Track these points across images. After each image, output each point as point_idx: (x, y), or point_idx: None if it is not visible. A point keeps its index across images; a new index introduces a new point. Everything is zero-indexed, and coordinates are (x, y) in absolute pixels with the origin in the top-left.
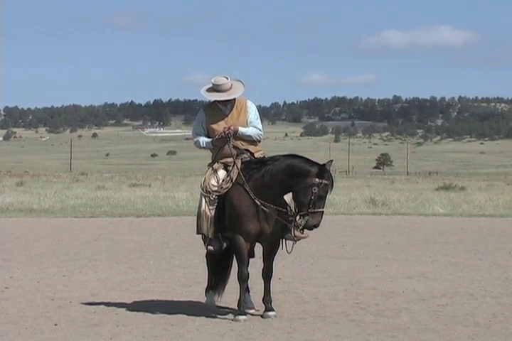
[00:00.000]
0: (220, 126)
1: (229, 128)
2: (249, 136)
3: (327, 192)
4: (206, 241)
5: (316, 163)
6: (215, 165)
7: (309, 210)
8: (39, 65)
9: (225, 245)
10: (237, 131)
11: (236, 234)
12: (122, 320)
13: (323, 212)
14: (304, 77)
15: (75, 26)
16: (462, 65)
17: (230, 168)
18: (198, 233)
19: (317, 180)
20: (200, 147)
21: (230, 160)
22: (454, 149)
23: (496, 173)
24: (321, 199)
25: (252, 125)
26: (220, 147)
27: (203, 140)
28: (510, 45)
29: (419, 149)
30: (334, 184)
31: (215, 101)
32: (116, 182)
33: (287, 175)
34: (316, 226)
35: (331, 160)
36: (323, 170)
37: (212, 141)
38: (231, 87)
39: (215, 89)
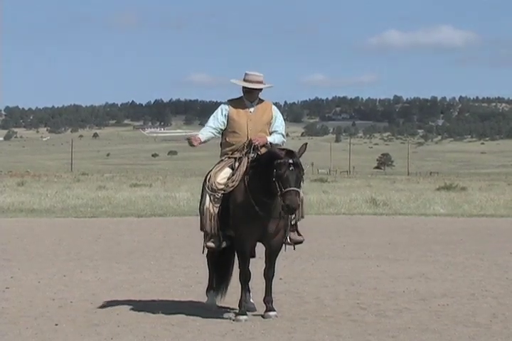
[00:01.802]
0: (241, 119)
1: (257, 140)
2: (277, 144)
3: (287, 170)
4: (206, 237)
5: (279, 148)
6: (222, 163)
7: (279, 194)
8: (40, 64)
9: (224, 244)
10: (266, 143)
11: (239, 234)
12: (123, 320)
13: (295, 191)
14: (305, 76)
15: (75, 26)
16: (463, 65)
17: (237, 166)
18: (201, 229)
19: (276, 161)
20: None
21: (238, 155)
22: (455, 149)
23: (496, 173)
24: (281, 177)
25: (278, 131)
26: (233, 141)
27: (202, 131)
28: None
29: (420, 149)
30: (303, 165)
31: (241, 96)
32: (116, 182)
33: (265, 166)
34: (288, 206)
35: (305, 143)
36: (279, 151)
37: (186, 136)
38: (261, 82)
39: (245, 79)
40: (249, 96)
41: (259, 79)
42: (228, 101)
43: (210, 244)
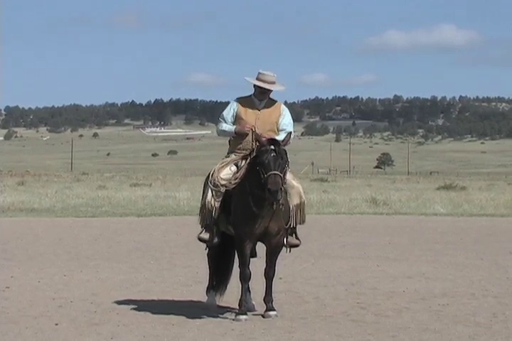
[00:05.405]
0: (249, 118)
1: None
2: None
3: (269, 156)
4: (201, 229)
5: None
6: (228, 159)
7: (262, 181)
8: (40, 64)
9: (216, 239)
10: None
11: (239, 233)
12: (123, 320)
13: (276, 174)
14: (305, 76)
15: (75, 26)
16: (463, 65)
17: (241, 164)
18: (202, 226)
19: (258, 149)
20: (221, 132)
21: (244, 153)
22: (455, 149)
23: (496, 173)
24: (263, 163)
25: (285, 129)
26: (240, 139)
27: (227, 126)
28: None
29: (420, 149)
30: (285, 151)
31: (251, 95)
32: (117, 181)
33: (254, 158)
34: (269, 190)
35: (289, 133)
36: (263, 141)
37: (235, 129)
38: (274, 83)
39: (259, 78)
40: (261, 96)
41: (273, 80)
42: (238, 99)
43: (203, 236)
